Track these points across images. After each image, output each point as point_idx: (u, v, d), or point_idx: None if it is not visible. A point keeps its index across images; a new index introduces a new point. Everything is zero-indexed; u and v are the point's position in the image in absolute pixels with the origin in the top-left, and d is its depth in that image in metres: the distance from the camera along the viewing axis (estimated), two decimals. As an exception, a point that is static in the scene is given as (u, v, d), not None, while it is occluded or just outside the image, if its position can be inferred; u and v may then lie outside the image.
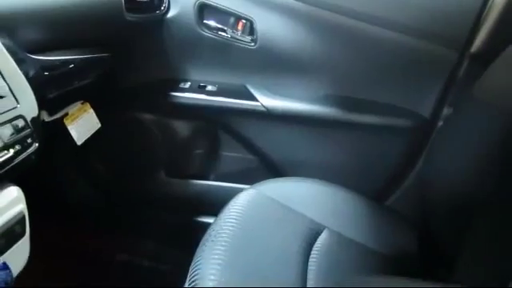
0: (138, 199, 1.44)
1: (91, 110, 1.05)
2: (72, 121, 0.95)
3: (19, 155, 0.60)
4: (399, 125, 1.21)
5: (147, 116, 1.33)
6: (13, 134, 0.60)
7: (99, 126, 1.08)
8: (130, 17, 1.04)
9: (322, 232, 0.97)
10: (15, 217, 0.62)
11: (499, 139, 0.81)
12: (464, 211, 0.85)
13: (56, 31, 0.82)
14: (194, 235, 0.96)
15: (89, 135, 1.01)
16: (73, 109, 0.97)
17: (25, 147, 0.61)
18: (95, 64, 0.97)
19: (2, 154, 0.58)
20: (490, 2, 1.04)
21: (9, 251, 0.60)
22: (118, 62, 1.10)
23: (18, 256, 0.61)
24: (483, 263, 0.75)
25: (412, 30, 1.11)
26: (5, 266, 0.51)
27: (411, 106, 1.20)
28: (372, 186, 1.27)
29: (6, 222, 0.60)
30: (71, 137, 1.01)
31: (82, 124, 0.99)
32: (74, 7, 0.85)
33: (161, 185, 1.41)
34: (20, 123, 0.61)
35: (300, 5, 1.14)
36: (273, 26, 1.19)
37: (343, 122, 1.23)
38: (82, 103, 1.03)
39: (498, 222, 0.76)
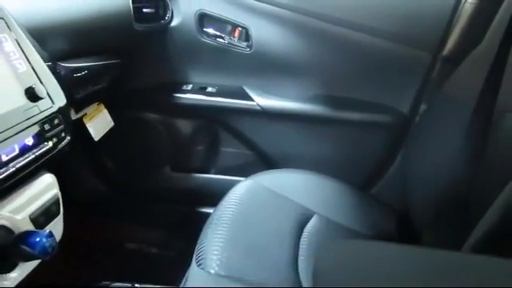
0: (145, 192, 1.50)
1: (105, 111, 1.13)
2: (90, 120, 1.04)
3: (56, 147, 0.71)
4: (381, 120, 1.28)
5: (153, 116, 1.39)
6: (50, 129, 0.71)
7: (112, 124, 1.16)
8: (138, 26, 1.13)
9: (312, 217, 1.05)
10: (51, 199, 0.72)
11: (466, 133, 0.88)
12: (437, 198, 0.93)
13: (77, 41, 0.91)
14: (197, 224, 1.02)
15: (104, 132, 1.10)
16: (90, 109, 1.07)
17: (60, 140, 0.72)
18: (109, 69, 1.06)
19: (43, 145, 0.69)
20: (459, 11, 1.12)
21: (47, 226, 0.71)
22: (127, 67, 1.18)
23: (54, 230, 0.71)
24: (445, 237, 0.85)
25: (391, 35, 1.18)
26: (50, 234, 0.62)
27: (391, 103, 1.27)
28: (358, 176, 1.34)
29: (45, 203, 0.71)
30: (84, 134, 1.09)
31: (98, 122, 1.08)
32: (91, 20, 0.95)
33: (166, 178, 1.47)
34: (55, 120, 0.72)
35: (290, 13, 1.22)
36: (266, 33, 1.26)
37: (331, 118, 1.29)
38: (98, 104, 1.11)
39: (463, 206, 0.85)
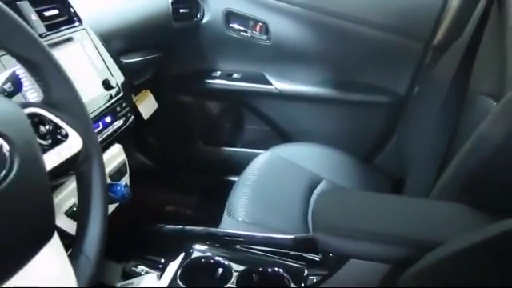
0: (182, 163, 1.70)
1: (151, 95, 1.34)
2: (140, 103, 1.26)
3: (126, 123, 0.95)
4: (381, 100, 1.42)
5: (188, 98, 1.59)
6: (120, 110, 0.94)
7: (156, 106, 1.36)
8: (176, 25, 1.34)
9: (321, 182, 1.23)
10: (121, 162, 0.95)
11: (443, 111, 1.06)
12: (422, 165, 1.09)
13: (131, 40, 1.15)
14: (225, 190, 1.21)
15: (151, 113, 1.31)
16: (140, 95, 1.30)
17: (127, 118, 0.95)
18: (154, 62, 1.28)
19: (117, 122, 0.92)
20: (447, 7, 1.27)
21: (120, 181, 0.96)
22: (167, 59, 1.38)
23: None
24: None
25: (389, 27, 1.33)
26: (126, 185, 0.85)
27: (390, 86, 1.41)
28: (361, 149, 1.49)
29: (117, 164, 0.94)
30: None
31: (146, 105, 1.30)
32: (141, 22, 1.18)
33: (199, 151, 1.67)
34: (124, 103, 0.95)
35: (303, 10, 1.38)
36: (283, 27, 1.42)
37: (338, 99, 1.45)
38: (145, 90, 1.33)
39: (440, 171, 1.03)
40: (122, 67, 1.01)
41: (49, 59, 0.54)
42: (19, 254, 0.45)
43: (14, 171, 0.43)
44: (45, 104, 0.54)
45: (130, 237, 1.06)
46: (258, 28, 1.47)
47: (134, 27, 1.15)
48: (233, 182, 1.26)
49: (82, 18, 0.93)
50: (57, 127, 0.54)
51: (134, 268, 1.01)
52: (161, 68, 1.39)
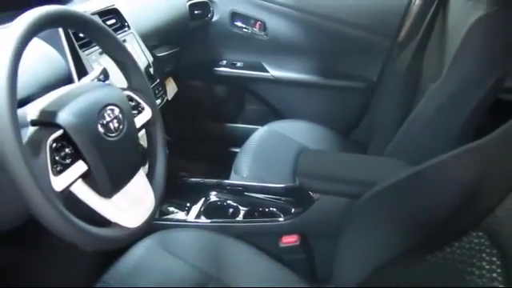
0: (193, 137, 1.98)
1: (172, 81, 1.63)
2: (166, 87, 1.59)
3: (162, 102, 1.26)
4: (357, 86, 1.70)
5: (199, 83, 1.87)
6: (158, 92, 1.26)
7: (176, 89, 1.65)
8: (191, 23, 1.65)
9: (307, 149, 1.54)
10: None
11: (400, 94, 1.37)
12: (383, 135, 1.39)
13: (160, 38, 1.46)
14: (230, 159, 1.48)
15: (173, 94, 1.62)
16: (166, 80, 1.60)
17: (163, 98, 1.27)
18: (174, 54, 1.58)
19: (157, 101, 1.25)
20: (408, 12, 1.56)
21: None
22: (185, 51, 1.68)
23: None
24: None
25: (364, 27, 1.63)
26: (165, 145, 1.18)
27: (364, 73, 1.68)
28: (340, 125, 1.75)
29: None
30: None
31: (170, 89, 1.58)
32: (167, 23, 1.49)
33: (207, 127, 1.95)
34: (159, 87, 1.27)
35: (295, 12, 1.67)
36: (278, 26, 1.70)
37: (322, 84, 1.72)
38: (169, 77, 1.61)
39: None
40: (156, 59, 1.33)
41: (131, 59, 0.87)
42: (126, 175, 0.79)
43: (125, 127, 0.77)
44: (129, 88, 0.87)
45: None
46: (257, 26, 1.73)
47: (162, 27, 1.46)
48: (235, 153, 1.52)
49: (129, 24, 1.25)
50: (138, 103, 0.87)
51: (166, 209, 1.35)
52: (180, 58, 1.67)
